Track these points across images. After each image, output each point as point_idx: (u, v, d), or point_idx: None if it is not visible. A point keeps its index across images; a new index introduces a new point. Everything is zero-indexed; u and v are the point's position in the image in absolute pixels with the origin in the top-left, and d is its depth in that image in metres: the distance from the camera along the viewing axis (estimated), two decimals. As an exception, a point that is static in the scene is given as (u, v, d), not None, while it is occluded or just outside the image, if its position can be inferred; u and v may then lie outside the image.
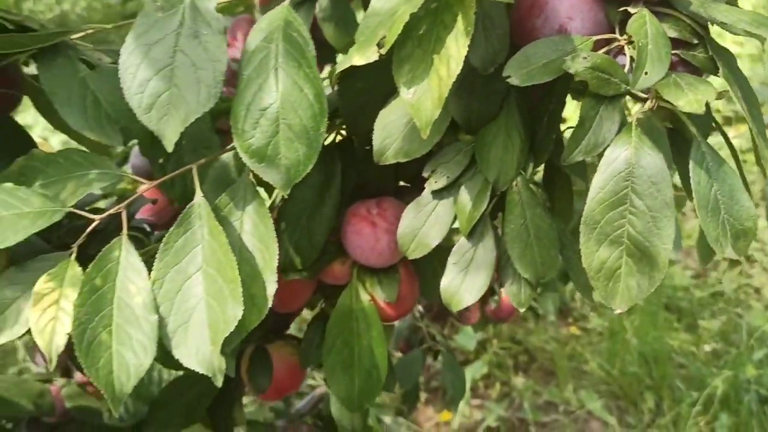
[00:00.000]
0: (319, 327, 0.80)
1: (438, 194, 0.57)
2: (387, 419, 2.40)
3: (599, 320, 2.81)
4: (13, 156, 0.64)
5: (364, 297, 0.66)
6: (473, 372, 2.62)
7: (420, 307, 1.45)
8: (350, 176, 0.64)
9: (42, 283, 0.50)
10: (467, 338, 2.66)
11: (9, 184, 0.51)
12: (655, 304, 2.70)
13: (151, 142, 0.62)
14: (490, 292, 1.45)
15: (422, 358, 1.32)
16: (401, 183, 0.71)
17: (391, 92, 0.55)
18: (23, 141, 0.67)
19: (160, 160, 0.63)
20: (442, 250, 0.68)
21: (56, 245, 0.61)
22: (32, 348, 1.23)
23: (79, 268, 0.52)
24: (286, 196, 0.54)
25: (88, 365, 0.48)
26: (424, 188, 0.59)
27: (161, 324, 0.51)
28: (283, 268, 0.64)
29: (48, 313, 0.49)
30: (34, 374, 1.29)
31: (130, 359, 0.50)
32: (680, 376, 2.42)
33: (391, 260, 0.66)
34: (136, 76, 0.49)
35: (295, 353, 0.82)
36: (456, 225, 0.58)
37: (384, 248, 0.64)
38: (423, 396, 2.55)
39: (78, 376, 1.25)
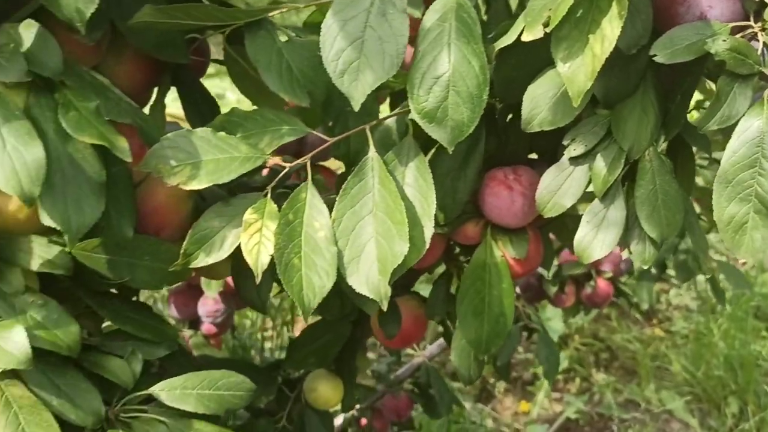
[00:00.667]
0: (444, 284, 0.89)
1: (575, 161, 0.65)
2: (467, 404, 2.48)
3: (684, 323, 2.80)
4: (202, 114, 0.76)
5: (497, 253, 0.75)
6: (554, 366, 2.66)
7: (517, 288, 1.52)
8: (491, 144, 0.73)
9: (249, 214, 0.61)
10: (550, 332, 2.71)
11: (222, 133, 0.63)
12: (744, 310, 2.68)
13: (324, 107, 0.73)
14: (587, 277, 1.51)
15: (518, 335, 1.39)
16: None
17: (539, 69, 0.64)
18: (209, 102, 0.79)
19: (330, 123, 0.73)
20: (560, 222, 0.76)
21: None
22: (168, 300, 1.37)
23: (275, 205, 0.62)
24: (448, 152, 0.63)
25: (285, 282, 0.59)
26: (554, 161, 0.67)
27: (339, 255, 0.61)
28: (427, 222, 0.74)
29: (254, 238, 0.60)
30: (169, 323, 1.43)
31: (315, 281, 0.60)
32: (767, 383, 2.40)
33: (523, 221, 0.74)
34: (333, 46, 0.59)
35: (419, 306, 0.91)
36: (589, 189, 0.66)
37: (518, 210, 0.73)
38: (503, 386, 2.62)
39: (203, 328, 1.39)
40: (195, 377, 0.70)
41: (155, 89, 0.74)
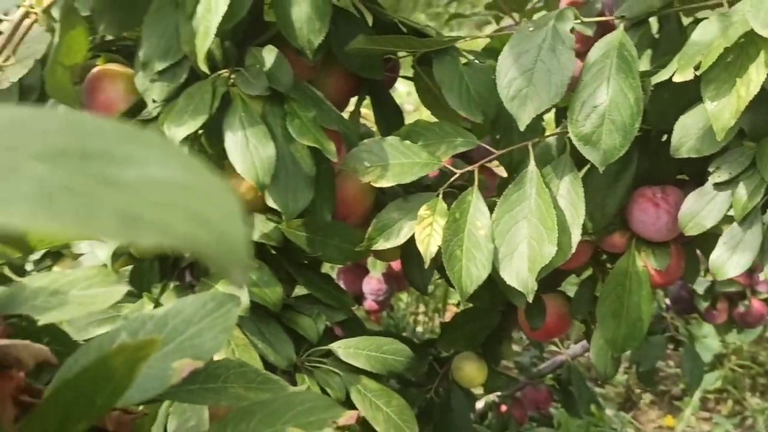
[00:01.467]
0: (589, 286, 0.98)
1: (719, 186, 0.72)
2: (609, 412, 2.49)
3: None
4: (389, 121, 0.90)
5: (639, 263, 0.83)
6: (705, 384, 2.60)
7: (667, 300, 1.55)
8: (643, 164, 0.80)
9: (423, 210, 0.73)
10: (704, 350, 2.64)
11: (407, 141, 0.76)
12: None
13: (493, 123, 0.84)
14: (741, 295, 1.51)
15: (664, 344, 1.43)
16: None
17: (690, 103, 0.71)
18: (396, 111, 0.92)
19: (497, 137, 0.84)
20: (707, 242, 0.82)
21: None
22: (337, 276, 1.54)
23: (444, 204, 0.75)
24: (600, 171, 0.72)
25: (448, 269, 0.71)
26: (700, 183, 0.74)
27: (494, 252, 0.72)
28: (576, 230, 0.83)
29: (426, 231, 0.73)
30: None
31: (473, 271, 0.72)
32: None
33: (666, 237, 0.81)
34: (507, 75, 0.70)
35: (564, 305, 1.00)
36: (729, 213, 0.72)
37: (662, 226, 0.80)
38: (648, 397, 2.60)
39: (366, 304, 1.55)
40: (365, 340, 0.84)
41: (354, 98, 0.90)
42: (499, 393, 1.56)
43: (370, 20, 0.74)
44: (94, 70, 0.79)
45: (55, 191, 0.14)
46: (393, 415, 0.84)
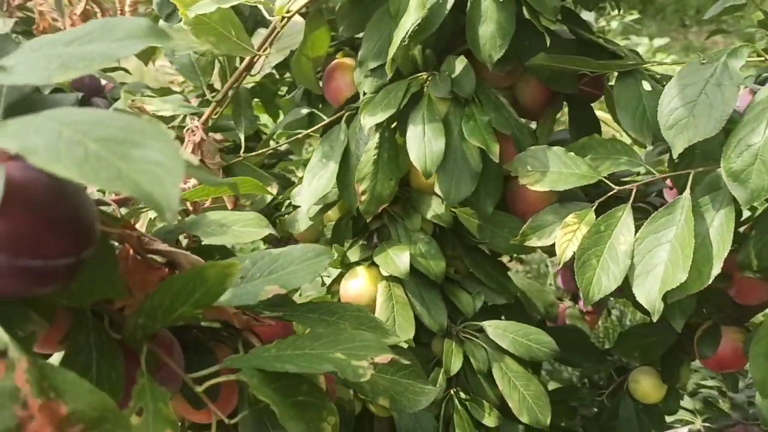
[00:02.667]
0: (769, 328, 0.94)
1: None
2: None
3: None
4: (582, 134, 0.96)
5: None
6: None
7: None
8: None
9: (571, 218, 0.80)
10: None
11: (571, 153, 0.82)
12: None
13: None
14: None
15: None
16: None
17: None
18: (593, 123, 0.98)
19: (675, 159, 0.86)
20: None
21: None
22: (557, 272, 1.61)
23: (594, 215, 0.80)
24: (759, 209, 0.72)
25: (578, 274, 0.78)
26: None
27: (631, 268, 0.77)
28: (742, 266, 0.82)
29: (567, 236, 0.79)
30: (553, 290, 1.68)
31: (604, 281, 0.77)
32: None
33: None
34: (670, 103, 0.74)
35: (742, 339, 0.98)
36: None
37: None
38: None
39: (581, 303, 1.59)
40: (515, 326, 0.93)
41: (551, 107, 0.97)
42: (707, 424, 1.50)
43: (547, 40, 0.82)
44: (333, 62, 0.98)
45: (94, 159, 0.30)
46: (529, 398, 0.92)
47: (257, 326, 0.58)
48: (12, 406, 0.33)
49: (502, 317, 0.98)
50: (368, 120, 0.82)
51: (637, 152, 0.84)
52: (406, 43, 0.76)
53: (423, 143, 0.82)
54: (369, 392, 0.61)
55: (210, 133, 0.91)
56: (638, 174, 0.90)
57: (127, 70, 1.29)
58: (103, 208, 0.51)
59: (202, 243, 0.59)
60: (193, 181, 0.74)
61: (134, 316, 0.47)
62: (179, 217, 0.64)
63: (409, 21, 0.76)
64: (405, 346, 0.68)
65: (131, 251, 0.49)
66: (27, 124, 0.30)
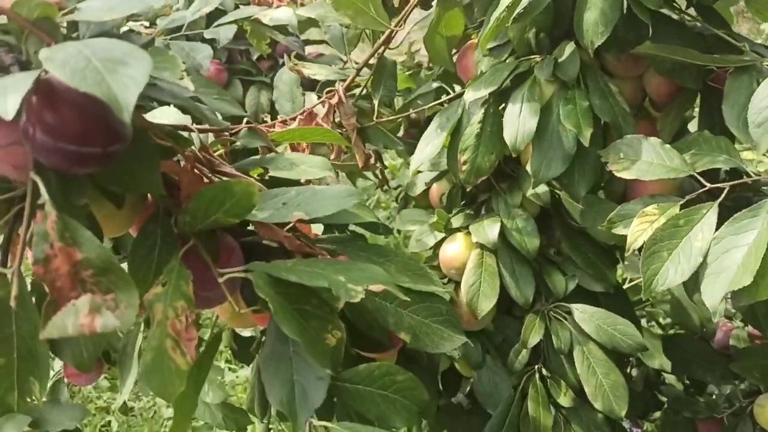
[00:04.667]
0: None
1: None
2: None
3: None
4: (712, 126, 0.92)
5: None
6: None
7: None
8: None
9: (651, 208, 0.80)
10: None
11: (667, 146, 0.82)
12: None
13: None
14: None
15: None
16: None
17: None
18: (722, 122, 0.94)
19: None
20: None
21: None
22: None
23: (677, 209, 0.79)
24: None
25: (644, 264, 0.77)
26: None
27: (702, 266, 0.75)
28: None
29: (642, 226, 0.79)
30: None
31: (670, 275, 0.76)
32: None
33: None
34: (761, 102, 0.71)
35: None
36: None
37: None
38: None
39: (750, 328, 1.49)
40: (604, 313, 0.94)
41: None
42: None
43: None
44: (467, 42, 1.05)
45: (90, 70, 0.42)
46: (606, 387, 0.93)
47: (308, 251, 0.70)
48: (43, 244, 0.48)
49: (601, 306, 0.99)
50: (470, 95, 0.89)
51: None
52: (499, 22, 0.81)
53: (517, 121, 0.86)
54: (392, 325, 0.69)
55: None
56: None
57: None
58: (183, 132, 0.65)
59: (270, 176, 0.71)
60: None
61: (182, 215, 0.60)
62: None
63: (499, 8, 0.81)
64: (447, 297, 0.74)
65: (190, 167, 0.62)
66: (65, 46, 0.44)
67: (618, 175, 0.83)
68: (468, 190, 0.97)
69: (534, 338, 0.95)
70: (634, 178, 0.82)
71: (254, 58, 1.54)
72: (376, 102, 1.06)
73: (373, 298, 0.70)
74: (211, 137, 0.72)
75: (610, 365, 0.94)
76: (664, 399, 1.38)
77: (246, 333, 1.17)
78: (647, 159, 0.82)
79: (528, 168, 0.89)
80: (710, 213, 0.77)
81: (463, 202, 1.05)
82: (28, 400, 0.53)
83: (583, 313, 0.95)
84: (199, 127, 0.68)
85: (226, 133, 0.72)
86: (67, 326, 0.47)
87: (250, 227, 0.72)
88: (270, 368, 0.62)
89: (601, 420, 0.97)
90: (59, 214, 0.48)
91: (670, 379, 1.49)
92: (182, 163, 0.63)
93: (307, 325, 0.61)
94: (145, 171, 0.56)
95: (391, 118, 1.08)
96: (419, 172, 1.07)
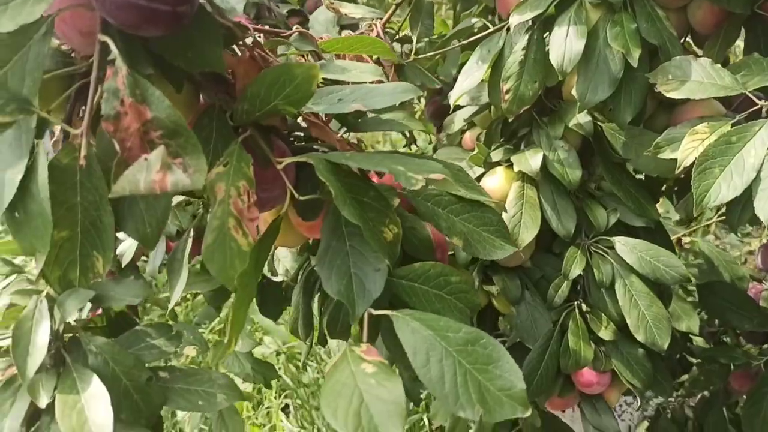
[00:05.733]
0: None
1: None
2: None
3: None
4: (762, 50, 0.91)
5: None
6: None
7: None
8: None
9: (701, 127, 0.79)
10: None
11: (718, 65, 0.81)
12: None
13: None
14: None
15: None
16: None
17: None
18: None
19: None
20: None
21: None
22: (758, 250, 1.48)
23: (728, 127, 0.78)
24: None
25: (695, 180, 0.76)
26: None
27: (755, 181, 0.74)
28: None
29: (693, 144, 0.78)
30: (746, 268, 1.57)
31: (722, 190, 0.75)
32: None
33: None
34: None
35: None
36: None
37: None
38: None
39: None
40: (646, 245, 0.93)
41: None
42: None
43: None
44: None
45: None
46: (648, 318, 0.92)
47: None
48: (114, 101, 0.47)
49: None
50: (515, 18, 0.88)
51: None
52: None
53: (564, 43, 0.85)
54: (445, 229, 0.68)
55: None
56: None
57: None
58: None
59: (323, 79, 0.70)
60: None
61: (240, 103, 0.59)
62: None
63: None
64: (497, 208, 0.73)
65: (248, 55, 0.62)
66: None
67: (668, 95, 0.82)
68: (510, 121, 0.96)
69: (575, 270, 0.95)
70: (684, 98, 0.81)
71: (284, 12, 1.53)
72: (414, 38, 1.05)
73: (425, 203, 0.69)
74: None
75: (652, 297, 0.93)
76: (693, 362, 1.37)
77: (278, 277, 1.16)
78: (697, 79, 0.81)
79: (574, 92, 0.89)
80: (763, 130, 0.76)
81: (502, 139, 1.04)
82: (91, 276, 0.53)
83: (625, 245, 0.94)
84: (254, 26, 0.67)
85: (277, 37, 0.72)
86: (139, 181, 0.46)
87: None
88: (325, 263, 0.61)
89: (642, 355, 0.96)
90: (130, 70, 0.47)
91: (697, 341, 1.48)
92: (239, 53, 0.63)
93: (366, 216, 0.60)
94: (209, 48, 0.55)
95: (429, 54, 1.07)
96: (458, 107, 1.07)
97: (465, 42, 1.06)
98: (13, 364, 0.53)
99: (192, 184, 0.47)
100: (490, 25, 1.02)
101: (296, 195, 0.60)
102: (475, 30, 1.08)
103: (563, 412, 1.16)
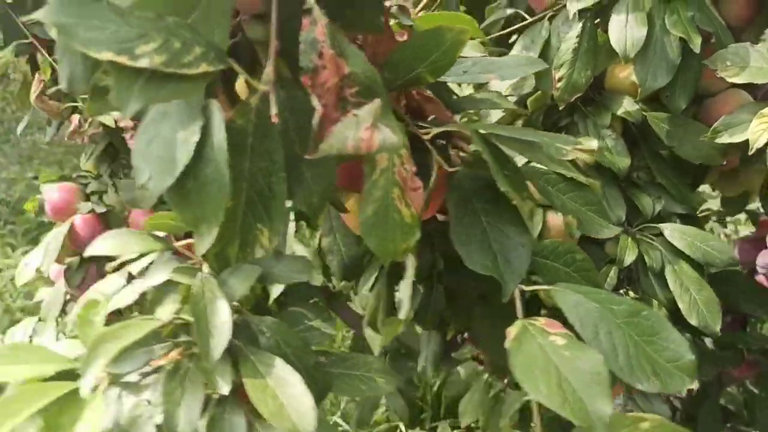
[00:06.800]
0: None
1: None
2: None
3: None
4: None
5: None
6: None
7: None
8: None
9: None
10: None
11: (775, 51, 0.84)
12: None
13: None
14: None
15: None
16: None
17: None
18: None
19: None
20: None
21: None
22: (735, 243, 1.54)
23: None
24: None
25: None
26: None
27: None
28: None
29: (762, 126, 0.81)
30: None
31: (798, 168, 0.78)
32: None
33: None
34: None
35: None
36: None
37: None
38: None
39: (757, 278, 1.53)
40: (693, 231, 0.95)
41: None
42: None
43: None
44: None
45: None
46: (699, 303, 0.94)
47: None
48: (312, 53, 0.43)
49: (679, 226, 1.00)
50: (574, 5, 0.89)
51: None
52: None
53: (625, 30, 0.86)
54: (559, 207, 0.67)
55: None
56: None
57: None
58: None
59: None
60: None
61: (382, 70, 0.56)
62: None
63: None
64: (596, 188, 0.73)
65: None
66: None
67: (730, 80, 0.84)
68: (559, 109, 0.97)
69: (629, 257, 0.95)
70: (745, 82, 0.84)
71: None
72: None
73: (538, 181, 0.68)
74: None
75: (701, 282, 0.95)
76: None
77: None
78: (757, 65, 0.84)
79: (622, 80, 0.90)
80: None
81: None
82: (254, 250, 0.48)
83: (674, 230, 0.95)
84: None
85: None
86: (347, 139, 0.42)
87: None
88: (462, 239, 0.58)
89: (690, 340, 0.98)
90: (329, 22, 0.43)
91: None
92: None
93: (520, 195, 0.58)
94: (369, 8, 0.52)
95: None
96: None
97: (502, 33, 1.06)
98: (173, 348, 0.48)
99: (397, 143, 0.44)
100: (527, 16, 1.02)
101: (445, 166, 0.57)
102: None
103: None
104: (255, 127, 0.46)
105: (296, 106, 0.46)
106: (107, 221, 1.28)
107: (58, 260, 1.24)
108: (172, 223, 0.50)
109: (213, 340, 0.43)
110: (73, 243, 1.26)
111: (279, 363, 0.45)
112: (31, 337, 1.36)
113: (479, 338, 0.96)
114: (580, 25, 0.91)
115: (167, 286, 0.49)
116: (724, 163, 0.96)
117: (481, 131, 0.56)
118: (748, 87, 0.89)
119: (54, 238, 1.24)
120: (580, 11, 0.89)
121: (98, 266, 1.31)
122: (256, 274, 0.47)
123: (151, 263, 0.50)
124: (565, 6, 0.95)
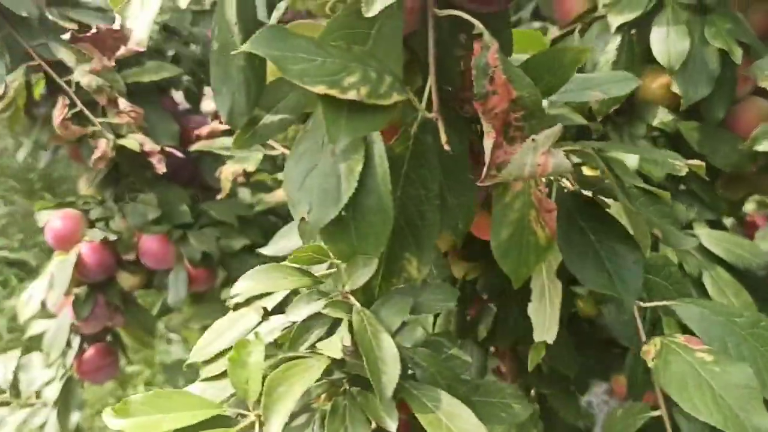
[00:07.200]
0: None
1: None
2: None
3: None
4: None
5: None
6: None
7: None
8: None
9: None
10: None
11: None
12: None
13: None
14: None
15: None
16: None
17: None
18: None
19: None
20: None
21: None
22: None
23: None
24: None
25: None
26: None
27: None
28: None
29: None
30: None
31: None
32: None
33: None
34: None
35: None
36: None
37: None
38: None
39: None
40: (728, 236, 0.97)
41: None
42: None
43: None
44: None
45: None
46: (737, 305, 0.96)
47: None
48: (483, 78, 0.42)
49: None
50: (615, 19, 0.90)
51: None
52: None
53: (667, 43, 0.88)
54: (647, 220, 0.68)
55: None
56: None
57: None
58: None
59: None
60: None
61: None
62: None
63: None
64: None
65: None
66: None
67: (761, 85, 0.87)
68: (597, 119, 0.98)
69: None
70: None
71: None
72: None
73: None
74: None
75: (738, 287, 0.97)
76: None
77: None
78: (795, 74, 0.87)
79: (667, 88, 0.92)
80: None
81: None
82: (399, 280, 0.47)
83: (710, 236, 0.98)
84: None
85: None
86: (525, 165, 0.41)
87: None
88: (574, 258, 0.58)
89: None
90: (499, 47, 0.42)
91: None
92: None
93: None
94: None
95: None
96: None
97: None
98: (331, 386, 0.45)
99: (569, 167, 0.43)
100: (557, 29, 1.03)
101: (570, 186, 0.57)
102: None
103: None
104: (411, 155, 0.44)
105: (455, 132, 0.45)
106: (115, 249, 1.23)
107: (67, 292, 1.18)
108: (315, 256, 0.48)
109: (385, 377, 0.41)
110: (80, 273, 1.20)
111: (445, 396, 0.43)
112: (15, 372, 1.29)
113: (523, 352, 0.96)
114: (620, 37, 0.92)
115: (309, 321, 0.47)
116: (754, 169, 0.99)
117: (605, 150, 0.56)
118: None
119: (60, 269, 1.18)
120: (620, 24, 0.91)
121: (106, 296, 1.26)
122: (408, 306, 0.45)
123: (285, 297, 0.48)
124: (596, 19, 0.97)
